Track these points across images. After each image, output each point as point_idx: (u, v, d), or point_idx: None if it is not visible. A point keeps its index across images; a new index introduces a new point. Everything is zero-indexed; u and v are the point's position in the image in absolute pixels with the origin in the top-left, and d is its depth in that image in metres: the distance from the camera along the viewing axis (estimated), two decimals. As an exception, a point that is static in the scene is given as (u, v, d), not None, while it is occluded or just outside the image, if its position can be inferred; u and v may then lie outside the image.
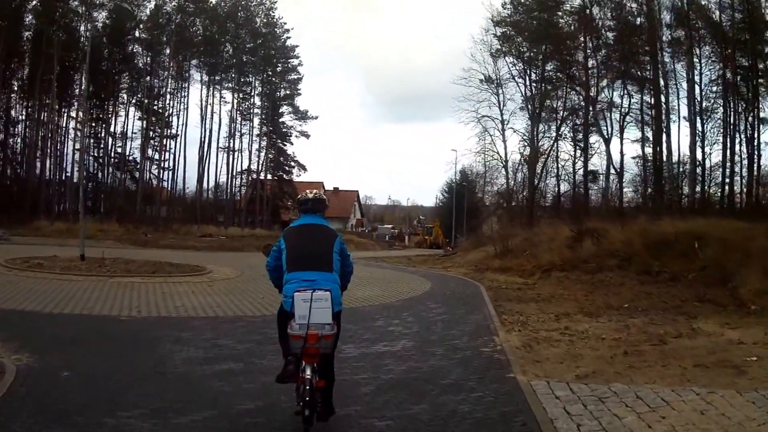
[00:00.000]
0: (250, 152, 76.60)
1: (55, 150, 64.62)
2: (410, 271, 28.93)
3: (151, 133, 70.00)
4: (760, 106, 48.61)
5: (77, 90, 65.04)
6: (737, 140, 49.35)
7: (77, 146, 64.01)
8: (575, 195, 60.34)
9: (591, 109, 56.96)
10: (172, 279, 19.92)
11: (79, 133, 61.91)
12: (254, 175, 77.37)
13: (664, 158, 50.34)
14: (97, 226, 47.95)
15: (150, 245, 38.66)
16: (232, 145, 74.60)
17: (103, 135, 68.46)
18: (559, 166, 59.64)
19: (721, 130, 49.72)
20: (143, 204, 64.10)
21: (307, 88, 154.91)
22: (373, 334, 11.93)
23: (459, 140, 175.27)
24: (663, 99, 51.41)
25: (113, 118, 68.96)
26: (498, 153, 62.41)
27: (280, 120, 78.88)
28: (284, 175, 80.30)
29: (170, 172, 70.47)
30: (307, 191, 6.77)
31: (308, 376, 5.61)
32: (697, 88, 49.84)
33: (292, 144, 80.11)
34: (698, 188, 50.30)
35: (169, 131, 70.96)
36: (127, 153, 68.49)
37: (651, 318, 14.11)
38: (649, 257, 21.53)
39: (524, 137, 60.57)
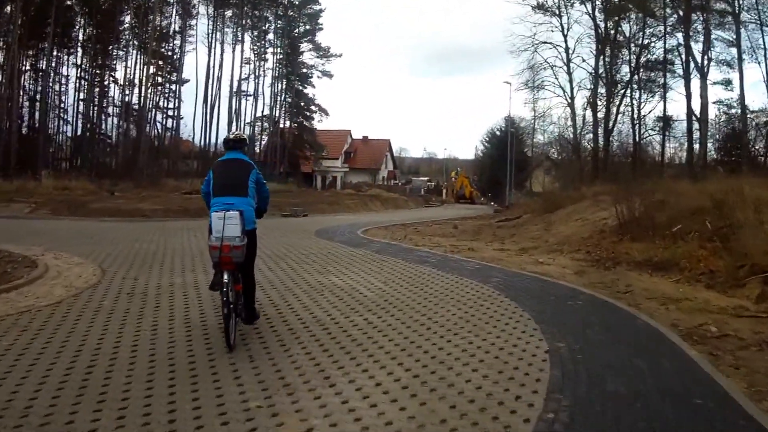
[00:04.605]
0: (262, 96, 64.12)
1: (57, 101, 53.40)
2: (472, 267, 13.13)
3: (159, 78, 57.77)
4: None
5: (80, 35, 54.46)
6: None
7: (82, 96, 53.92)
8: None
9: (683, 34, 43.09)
10: None
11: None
12: (271, 123, 64.58)
13: None
14: (62, 183, 35.94)
15: (79, 213, 25.30)
16: (247, 89, 62.10)
17: (107, 83, 56.12)
18: (633, 108, 46.02)
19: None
20: (147, 157, 51.07)
21: (328, 24, 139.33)
22: None
23: (498, 93, 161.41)
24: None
25: (117, 63, 56.66)
26: (562, 88, 49.07)
27: (299, 60, 65.61)
28: (304, 122, 67.16)
29: (174, 121, 58.09)
30: (230, 132, 8.76)
31: (225, 280, 6.50)
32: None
33: (314, 87, 67.05)
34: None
35: (174, 76, 58.19)
36: (133, 102, 55.67)
37: None
38: None
39: (591, 74, 47.18)
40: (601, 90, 46.65)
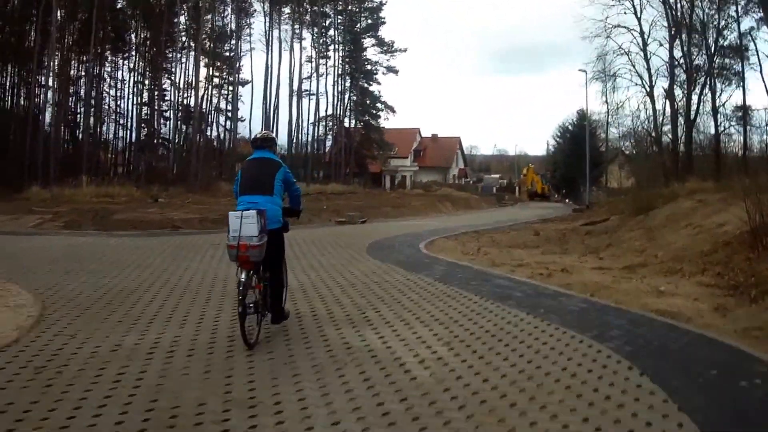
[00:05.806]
0: (325, 94, 60.59)
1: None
2: (575, 306, 8.88)
3: (216, 80, 55.68)
4: None
5: (132, 37, 53.28)
6: None
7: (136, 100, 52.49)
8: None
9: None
10: None
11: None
12: (336, 122, 61.85)
13: None
14: (104, 190, 33.36)
15: (100, 225, 21.53)
16: (309, 88, 59.35)
17: (164, 86, 54.21)
18: (712, 97, 40.97)
19: None
20: (200, 161, 48.60)
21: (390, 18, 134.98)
22: None
23: (568, 86, 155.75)
24: None
25: (173, 65, 54.36)
26: (640, 76, 44.19)
27: (363, 56, 62.60)
28: (371, 120, 64.07)
29: (233, 123, 55.65)
30: (258, 132, 8.81)
31: (242, 279, 6.38)
32: None
33: (379, 84, 63.69)
34: None
35: (235, 77, 55.65)
36: (190, 104, 53.48)
37: None
38: None
39: (666, 61, 42.29)
40: (679, 78, 41.85)
